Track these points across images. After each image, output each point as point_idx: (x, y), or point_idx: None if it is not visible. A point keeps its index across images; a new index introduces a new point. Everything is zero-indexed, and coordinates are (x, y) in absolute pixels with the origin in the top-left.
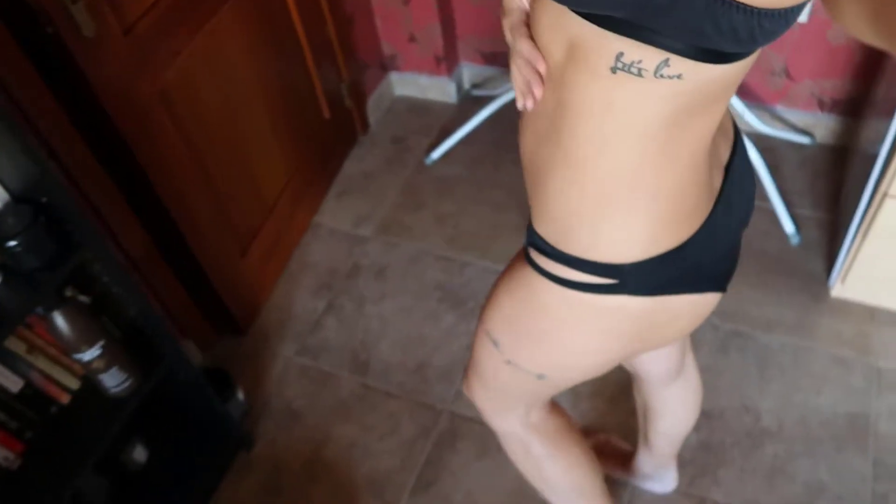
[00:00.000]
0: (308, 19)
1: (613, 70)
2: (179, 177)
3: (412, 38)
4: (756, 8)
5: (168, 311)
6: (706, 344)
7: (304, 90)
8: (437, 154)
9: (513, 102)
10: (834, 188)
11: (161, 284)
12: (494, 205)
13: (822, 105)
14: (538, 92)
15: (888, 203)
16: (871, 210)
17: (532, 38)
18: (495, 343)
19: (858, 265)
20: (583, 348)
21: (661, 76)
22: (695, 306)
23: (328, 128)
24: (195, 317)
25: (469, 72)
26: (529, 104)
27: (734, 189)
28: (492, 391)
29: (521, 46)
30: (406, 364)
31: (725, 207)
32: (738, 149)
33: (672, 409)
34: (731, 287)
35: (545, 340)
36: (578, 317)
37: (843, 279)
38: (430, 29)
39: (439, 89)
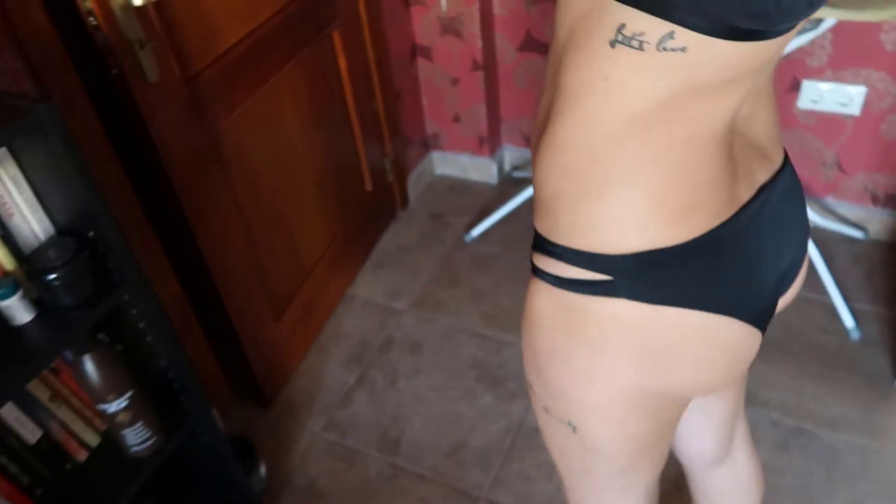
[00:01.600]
0: (359, 92)
1: (612, 44)
2: (221, 230)
3: (457, 118)
4: None
5: (195, 372)
6: (766, 440)
7: (349, 161)
8: (476, 232)
9: None
10: (891, 285)
11: (189, 341)
12: None
13: (875, 199)
14: None
15: None
16: None
17: None
18: (529, 385)
19: None
20: (588, 372)
21: (664, 49)
22: (720, 335)
23: (369, 200)
24: (219, 380)
25: (511, 154)
26: None
27: (769, 214)
28: (576, 482)
29: None
30: (440, 445)
31: (755, 227)
32: (782, 175)
33: (717, 500)
34: (790, 381)
35: (549, 362)
36: (576, 325)
37: None
38: (475, 110)
39: (480, 170)
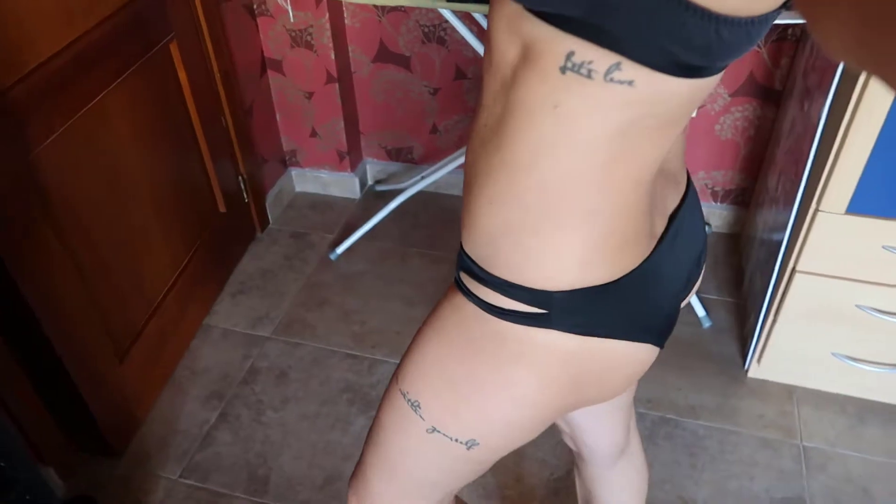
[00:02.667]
0: (205, 108)
1: (563, 70)
2: (44, 266)
3: (314, 133)
4: (714, 13)
5: (22, 429)
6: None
7: (198, 182)
8: (340, 250)
9: (418, 197)
10: (734, 274)
11: (13, 394)
12: (403, 300)
13: (714, 196)
14: None
15: (796, 279)
16: (780, 289)
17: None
18: (415, 406)
19: (772, 345)
20: (519, 395)
21: (612, 80)
22: (632, 358)
23: (224, 223)
24: (54, 435)
25: (373, 168)
26: None
27: (679, 240)
28: (399, 483)
29: None
30: (313, 478)
31: (669, 255)
32: (686, 201)
33: (618, 495)
34: (653, 374)
35: (477, 387)
36: (511, 353)
37: (759, 360)
38: (333, 124)
39: (342, 185)
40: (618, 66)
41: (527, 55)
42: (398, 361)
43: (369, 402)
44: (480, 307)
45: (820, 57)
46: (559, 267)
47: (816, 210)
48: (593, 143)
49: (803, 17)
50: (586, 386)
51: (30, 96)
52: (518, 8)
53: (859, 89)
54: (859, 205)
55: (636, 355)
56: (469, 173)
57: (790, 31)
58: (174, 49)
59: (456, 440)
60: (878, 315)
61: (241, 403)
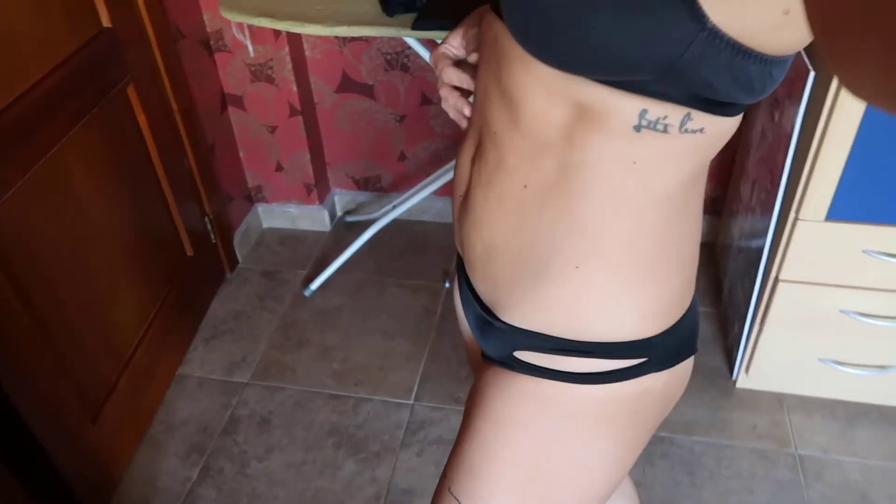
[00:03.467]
0: (166, 150)
1: (637, 128)
2: (6, 331)
3: (279, 168)
4: (769, 56)
5: None
6: None
7: (163, 226)
8: (315, 285)
9: (391, 226)
10: (711, 284)
11: None
12: (383, 333)
13: None
14: (467, 110)
15: (780, 288)
16: (763, 299)
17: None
18: None
19: (759, 354)
20: (621, 456)
21: (686, 131)
22: (690, 369)
23: (192, 267)
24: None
25: (341, 198)
26: (463, 123)
27: None
28: None
29: (452, 74)
30: None
31: None
32: None
33: None
34: None
35: (578, 466)
36: (610, 415)
37: (747, 370)
38: (298, 157)
39: (311, 218)
40: (689, 116)
41: (585, 115)
42: (384, 398)
43: (356, 443)
44: (565, 380)
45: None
46: (659, 314)
47: (796, 219)
48: (672, 191)
49: (826, 58)
50: (667, 412)
51: None
52: (559, 72)
53: (832, 97)
54: (838, 211)
55: (690, 366)
56: (508, 241)
57: None
58: (131, 92)
59: None
60: (862, 319)
61: (224, 456)
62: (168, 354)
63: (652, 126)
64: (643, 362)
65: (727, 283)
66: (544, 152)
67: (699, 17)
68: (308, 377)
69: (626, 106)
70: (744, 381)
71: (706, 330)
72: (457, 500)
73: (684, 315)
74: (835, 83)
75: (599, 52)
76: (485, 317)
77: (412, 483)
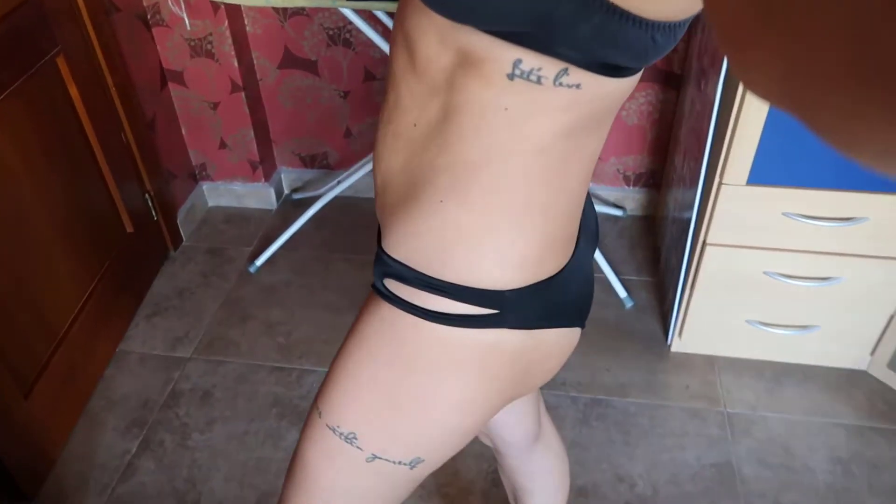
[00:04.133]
0: (102, 125)
1: (510, 77)
2: None
3: (223, 145)
4: (650, 21)
5: None
6: (568, 418)
7: (100, 202)
8: (260, 261)
9: (337, 203)
10: (651, 254)
11: None
12: (328, 307)
13: (626, 180)
14: None
15: (707, 252)
16: (693, 263)
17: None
18: (349, 438)
19: (691, 318)
20: (466, 401)
21: (561, 84)
22: (565, 343)
23: (132, 243)
24: None
25: (288, 176)
26: None
27: (585, 220)
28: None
29: None
30: (246, 499)
31: (584, 236)
32: None
33: (541, 481)
34: (582, 358)
35: (421, 402)
36: (457, 360)
37: (680, 334)
38: (242, 134)
39: (257, 196)
40: (565, 71)
41: (466, 61)
42: (326, 370)
43: (300, 413)
44: (418, 315)
45: (710, 38)
46: (513, 266)
47: (720, 184)
48: (544, 143)
49: (726, 55)
50: (527, 378)
51: None
52: (445, 20)
53: None
54: (759, 175)
55: (569, 339)
56: (396, 179)
57: None
58: (62, 63)
59: (399, 462)
60: (785, 280)
61: (164, 429)
62: (107, 331)
63: (525, 76)
64: (495, 314)
65: (664, 252)
66: (432, 95)
67: None
68: (252, 351)
69: (502, 55)
70: (678, 345)
71: (644, 299)
72: (318, 410)
73: (550, 279)
74: None
75: (477, 2)
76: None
77: None
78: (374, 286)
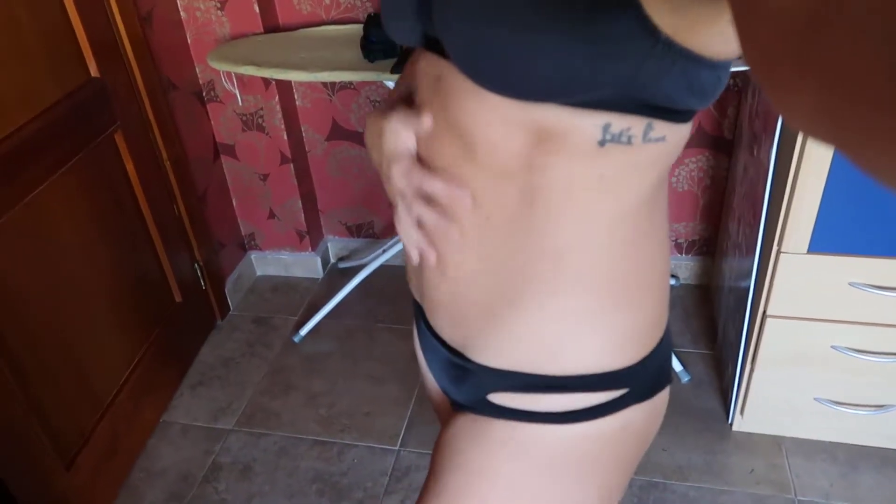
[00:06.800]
0: (155, 197)
1: (602, 143)
2: None
3: (272, 215)
4: (718, 62)
5: None
6: (623, 502)
7: (150, 272)
8: (304, 331)
9: (382, 271)
10: (707, 325)
11: None
12: (371, 378)
13: (679, 248)
14: (455, 234)
15: (768, 325)
16: (753, 336)
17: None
18: None
19: (753, 394)
20: (606, 496)
21: (649, 140)
22: (666, 403)
23: (180, 313)
24: None
25: (334, 245)
26: (433, 258)
27: None
28: None
29: (435, 185)
30: None
31: None
32: None
33: None
34: None
35: None
36: (593, 458)
37: (742, 412)
38: (290, 204)
39: (304, 265)
40: (651, 126)
41: (545, 138)
42: (370, 444)
43: (340, 490)
44: (545, 421)
45: (762, 102)
46: (635, 340)
47: (779, 252)
48: (639, 205)
49: (762, 88)
50: (645, 448)
51: None
52: (516, 102)
53: None
54: (820, 243)
55: (667, 397)
56: (474, 278)
57: (732, 81)
58: (119, 139)
59: None
60: (855, 355)
61: None
62: (152, 400)
63: (616, 139)
64: (623, 395)
65: (721, 323)
66: (505, 181)
67: (651, 30)
68: (293, 423)
69: (588, 123)
70: (739, 423)
71: (702, 372)
72: None
73: (661, 340)
74: None
75: (556, 79)
76: (454, 361)
77: None
78: (468, 407)
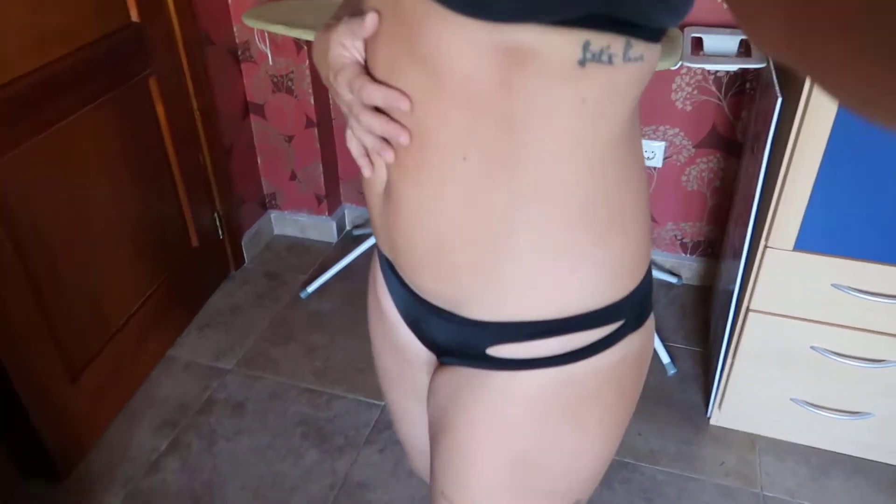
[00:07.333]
0: (182, 144)
1: (582, 62)
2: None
3: (293, 177)
4: None
5: None
6: None
7: (170, 214)
8: (311, 288)
9: None
10: (702, 325)
11: None
12: (368, 339)
13: (684, 247)
14: (404, 139)
15: (750, 319)
16: (736, 331)
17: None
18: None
19: (731, 389)
20: (615, 433)
21: (629, 59)
22: (653, 326)
23: (195, 258)
24: None
25: (351, 213)
26: (389, 156)
27: None
28: None
29: (375, 93)
30: None
31: None
32: None
33: None
34: None
35: (573, 455)
36: (597, 394)
37: (720, 406)
38: (312, 168)
39: (320, 228)
40: (629, 44)
41: (523, 61)
42: (358, 397)
43: (323, 435)
44: (550, 365)
45: (765, 100)
46: (630, 268)
47: (766, 247)
48: (622, 130)
49: (732, 13)
50: (644, 376)
51: None
52: (489, 24)
53: (797, 123)
54: (807, 241)
55: (653, 321)
56: (457, 228)
57: (748, 84)
58: (153, 84)
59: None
60: (834, 357)
61: (194, 433)
62: (159, 335)
63: (597, 58)
64: (621, 326)
65: (712, 322)
66: (479, 113)
67: None
68: (289, 371)
69: (567, 41)
70: (718, 418)
71: (689, 368)
72: (450, 501)
73: (648, 267)
74: (801, 109)
75: None
76: (440, 320)
77: (368, 477)
78: (462, 361)
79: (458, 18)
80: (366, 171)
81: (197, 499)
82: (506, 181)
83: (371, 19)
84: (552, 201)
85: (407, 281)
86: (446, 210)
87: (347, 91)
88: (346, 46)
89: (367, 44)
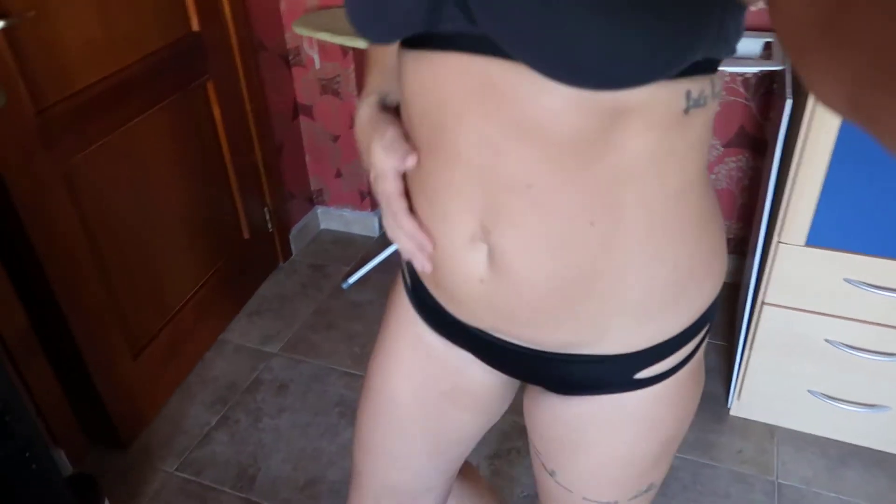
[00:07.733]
0: (236, 143)
1: (686, 111)
2: (71, 261)
3: (338, 174)
4: (742, 4)
5: (40, 411)
6: None
7: (224, 208)
8: (352, 279)
9: None
10: (729, 320)
11: (35, 378)
12: None
13: None
14: (427, 267)
15: (765, 312)
16: (752, 323)
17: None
18: (651, 487)
19: (749, 380)
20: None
21: (716, 95)
22: None
23: (247, 249)
24: (68, 421)
25: None
26: (428, 268)
27: None
28: None
29: (405, 224)
30: (296, 480)
31: None
32: None
33: None
34: None
35: (680, 437)
36: (697, 381)
37: (739, 396)
38: (355, 166)
39: (363, 223)
40: (713, 81)
41: (625, 119)
42: None
43: None
44: (681, 367)
45: (780, 100)
46: (716, 273)
47: (778, 242)
48: (705, 159)
49: (791, 61)
50: None
51: (72, 113)
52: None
53: (807, 122)
54: (818, 237)
55: None
56: (594, 281)
57: (775, 85)
58: (210, 87)
59: (647, 492)
60: (848, 350)
61: (242, 410)
62: (213, 319)
63: (696, 104)
64: (707, 329)
65: (737, 317)
66: (584, 173)
67: None
68: (330, 355)
69: (671, 94)
70: (737, 408)
71: (713, 360)
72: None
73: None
74: (810, 108)
75: (659, 58)
76: (560, 363)
77: None
78: (591, 392)
79: (561, 86)
80: (426, 267)
81: (243, 469)
82: (630, 237)
83: (412, 160)
84: (678, 238)
85: (509, 339)
86: (571, 269)
87: (384, 197)
88: (386, 164)
89: (444, 122)
